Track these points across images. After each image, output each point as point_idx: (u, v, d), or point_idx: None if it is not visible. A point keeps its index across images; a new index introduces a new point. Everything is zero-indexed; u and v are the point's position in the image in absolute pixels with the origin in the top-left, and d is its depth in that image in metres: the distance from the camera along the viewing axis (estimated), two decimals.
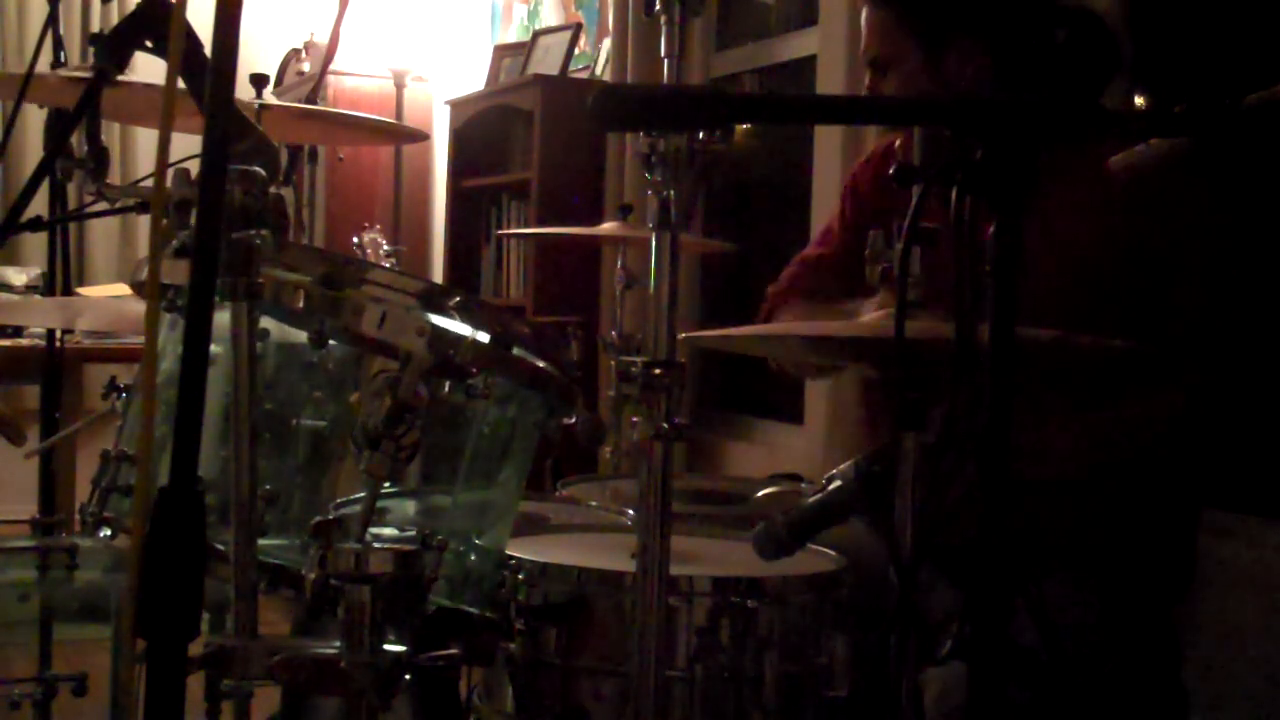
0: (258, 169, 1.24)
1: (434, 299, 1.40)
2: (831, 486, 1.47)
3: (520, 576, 1.60)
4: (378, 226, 3.69)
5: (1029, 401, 1.11)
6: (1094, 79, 1.82)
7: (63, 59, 2.54)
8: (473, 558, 1.51)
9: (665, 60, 1.28)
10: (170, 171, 1.21)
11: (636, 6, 4.00)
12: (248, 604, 1.25)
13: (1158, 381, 1.73)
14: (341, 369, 1.45)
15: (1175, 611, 1.82)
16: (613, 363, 2.89)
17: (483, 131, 4.85)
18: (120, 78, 1.48)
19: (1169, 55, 2.47)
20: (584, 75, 4.63)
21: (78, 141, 1.46)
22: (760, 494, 2.11)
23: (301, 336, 1.40)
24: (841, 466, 1.47)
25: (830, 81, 3.28)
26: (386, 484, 1.32)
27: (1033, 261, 1.04)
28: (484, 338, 1.39)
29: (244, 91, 1.96)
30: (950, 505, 1.14)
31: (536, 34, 4.89)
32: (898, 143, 1.96)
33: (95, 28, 5.41)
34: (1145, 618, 1.76)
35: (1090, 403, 1.75)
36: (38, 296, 3.81)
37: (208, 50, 1.00)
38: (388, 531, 1.39)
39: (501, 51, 5.13)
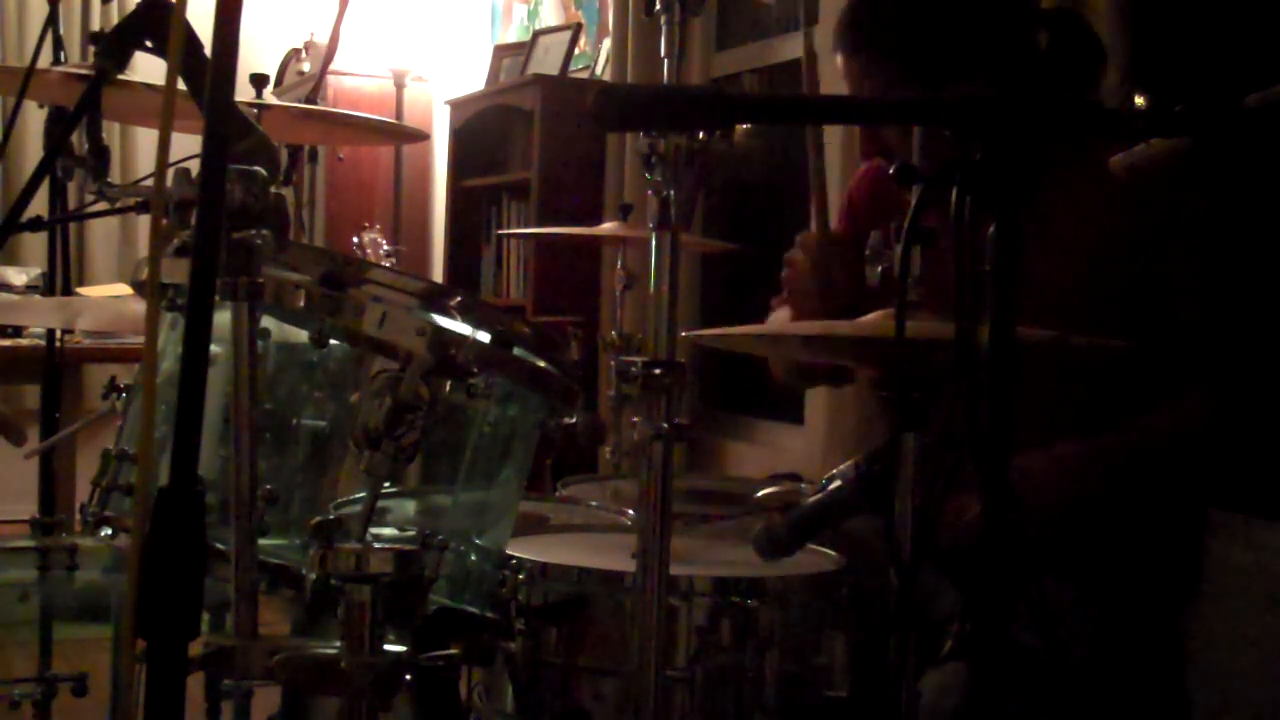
0: (258, 169, 1.24)
1: (434, 299, 1.40)
2: (831, 486, 1.47)
3: (521, 576, 1.60)
4: (378, 226, 3.69)
5: (1032, 419, 1.11)
6: (1080, 79, 1.81)
7: (63, 58, 2.54)
8: (473, 557, 1.51)
9: (665, 60, 1.28)
10: (170, 171, 1.21)
11: (636, 6, 4.00)
12: (248, 604, 1.24)
13: (1160, 388, 1.73)
14: (342, 369, 1.45)
15: (1178, 615, 1.82)
16: (613, 363, 2.88)
17: (483, 131, 4.85)
18: (120, 77, 1.47)
19: (1169, 55, 2.47)
20: (584, 75, 4.63)
21: (78, 140, 1.46)
22: (760, 494, 2.11)
23: (302, 336, 1.40)
24: (841, 466, 1.47)
25: (830, 81, 3.28)
26: (386, 484, 1.32)
27: (1032, 262, 1.04)
28: (484, 337, 1.38)
29: (244, 91, 1.96)
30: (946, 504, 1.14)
31: (536, 34, 4.89)
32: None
33: (95, 27, 5.41)
34: (1148, 621, 1.76)
35: (1091, 410, 1.75)
36: (38, 296, 3.80)
37: (208, 50, 1.00)
38: (388, 531, 1.39)
39: (501, 51, 5.13)
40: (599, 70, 4.57)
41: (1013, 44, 1.73)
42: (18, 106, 1.69)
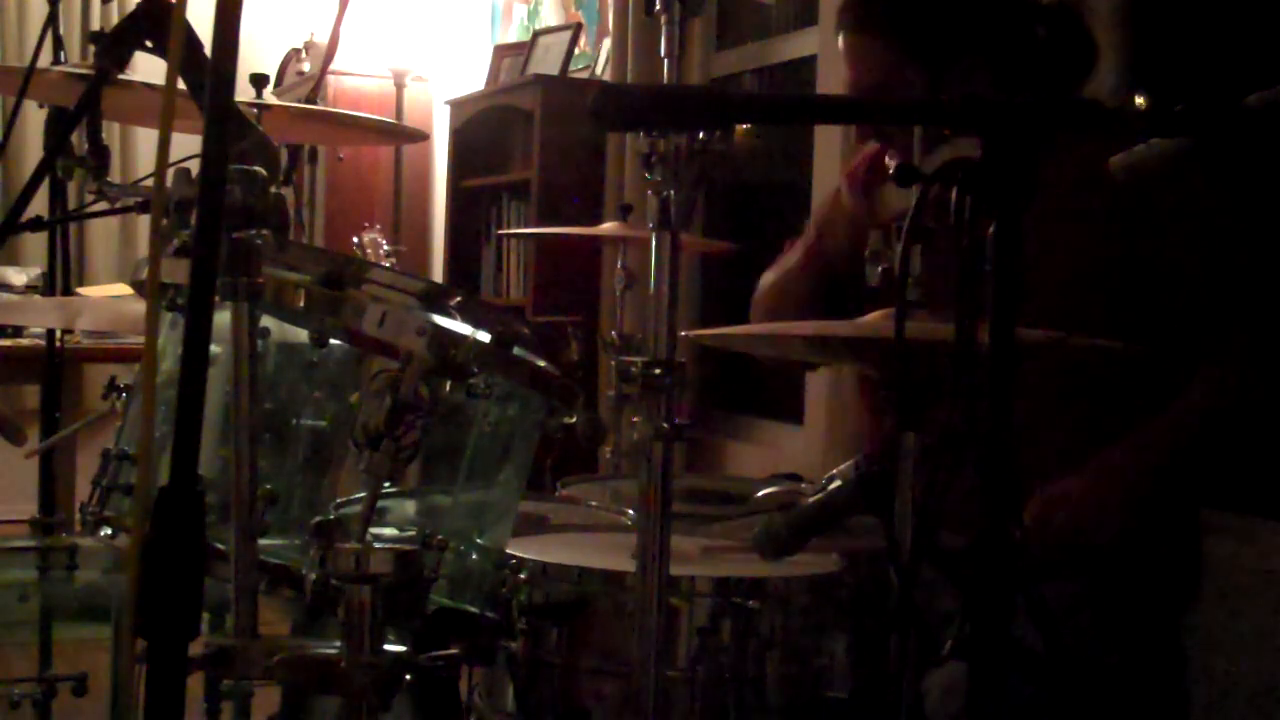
0: (258, 169, 1.24)
1: (434, 299, 1.40)
2: (831, 486, 1.47)
3: (522, 576, 1.60)
4: (378, 226, 3.68)
5: (1031, 420, 1.10)
6: (1073, 74, 1.82)
7: (63, 58, 2.54)
8: (473, 557, 1.51)
9: (665, 60, 1.28)
10: (170, 171, 1.21)
11: (636, 6, 4.00)
12: (248, 604, 1.24)
13: (1159, 388, 1.73)
14: (342, 369, 1.45)
15: (1178, 615, 1.82)
16: (613, 363, 2.88)
17: (483, 131, 4.85)
18: (120, 77, 1.47)
19: (1169, 55, 2.47)
20: (584, 75, 4.63)
21: (78, 140, 1.46)
22: (760, 494, 2.11)
23: (302, 336, 1.40)
24: (841, 466, 1.47)
25: (830, 81, 3.28)
26: (386, 484, 1.32)
27: (1032, 263, 1.04)
28: (484, 337, 1.39)
29: (244, 91, 1.95)
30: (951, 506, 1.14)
31: (536, 34, 4.88)
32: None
33: (95, 27, 5.40)
34: (1148, 621, 1.76)
35: (1091, 410, 1.75)
36: (38, 296, 3.80)
37: (208, 50, 1.00)
38: (388, 531, 1.39)
39: (501, 51, 5.13)
40: (599, 70, 4.57)
41: (1012, 31, 1.74)
42: (18, 106, 1.69)
